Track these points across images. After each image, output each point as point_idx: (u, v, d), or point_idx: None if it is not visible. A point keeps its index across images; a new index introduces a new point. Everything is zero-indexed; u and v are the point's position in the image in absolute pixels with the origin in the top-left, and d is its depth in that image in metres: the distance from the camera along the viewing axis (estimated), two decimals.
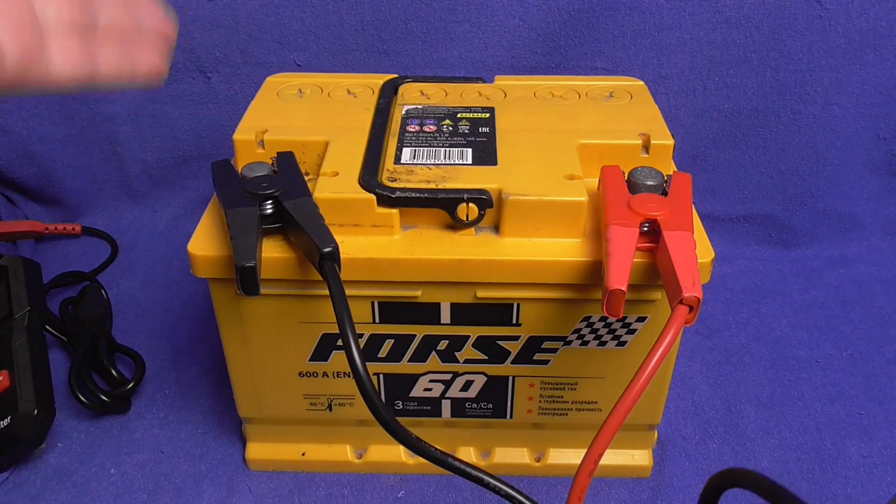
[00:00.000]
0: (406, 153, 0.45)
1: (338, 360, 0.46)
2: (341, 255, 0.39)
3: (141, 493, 0.50)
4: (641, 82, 0.54)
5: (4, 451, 0.50)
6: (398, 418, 0.38)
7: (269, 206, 0.41)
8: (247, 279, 0.37)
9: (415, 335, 0.45)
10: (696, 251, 0.37)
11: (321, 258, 0.38)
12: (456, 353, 0.46)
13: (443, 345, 0.45)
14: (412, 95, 0.52)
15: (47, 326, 0.58)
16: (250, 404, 0.49)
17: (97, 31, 0.34)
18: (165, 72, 0.39)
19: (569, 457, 0.51)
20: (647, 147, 0.46)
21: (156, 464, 0.52)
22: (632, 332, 0.44)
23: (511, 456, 0.51)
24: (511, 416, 0.49)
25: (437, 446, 0.37)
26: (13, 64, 0.30)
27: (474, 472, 0.36)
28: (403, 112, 0.50)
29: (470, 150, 0.45)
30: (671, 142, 0.46)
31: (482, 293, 0.42)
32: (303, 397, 0.48)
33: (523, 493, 0.36)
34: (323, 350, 0.46)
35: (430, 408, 0.49)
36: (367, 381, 0.36)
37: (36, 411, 0.49)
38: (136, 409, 0.56)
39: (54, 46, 0.32)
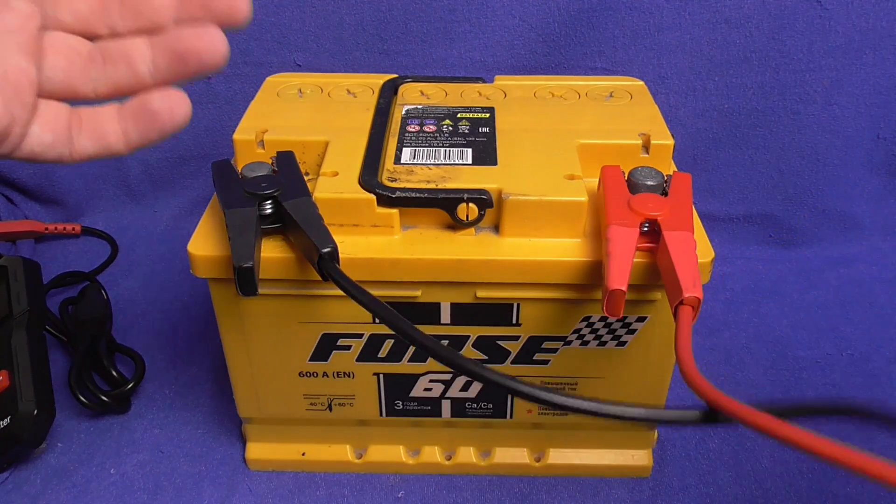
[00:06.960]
0: (406, 153, 0.45)
1: (338, 359, 0.46)
2: (341, 256, 0.38)
3: (141, 493, 0.50)
4: (641, 82, 0.54)
5: (4, 451, 0.50)
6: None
7: (269, 206, 0.41)
8: (245, 280, 0.37)
9: None
10: (696, 251, 0.37)
11: (320, 258, 0.38)
12: None
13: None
14: (412, 95, 0.52)
15: (47, 326, 0.58)
16: (250, 404, 0.49)
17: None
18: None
19: (569, 457, 0.51)
20: (647, 147, 0.46)
21: (156, 464, 0.52)
22: (632, 332, 0.44)
23: (511, 456, 0.51)
24: (511, 416, 0.49)
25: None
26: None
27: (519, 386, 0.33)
28: (403, 112, 0.50)
29: (470, 150, 0.45)
30: (671, 142, 0.46)
31: (482, 293, 0.42)
32: (303, 397, 0.48)
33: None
34: (323, 350, 0.46)
35: (430, 408, 0.49)
36: (429, 339, 0.34)
37: (36, 411, 0.49)
38: (136, 409, 0.56)
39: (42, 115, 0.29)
